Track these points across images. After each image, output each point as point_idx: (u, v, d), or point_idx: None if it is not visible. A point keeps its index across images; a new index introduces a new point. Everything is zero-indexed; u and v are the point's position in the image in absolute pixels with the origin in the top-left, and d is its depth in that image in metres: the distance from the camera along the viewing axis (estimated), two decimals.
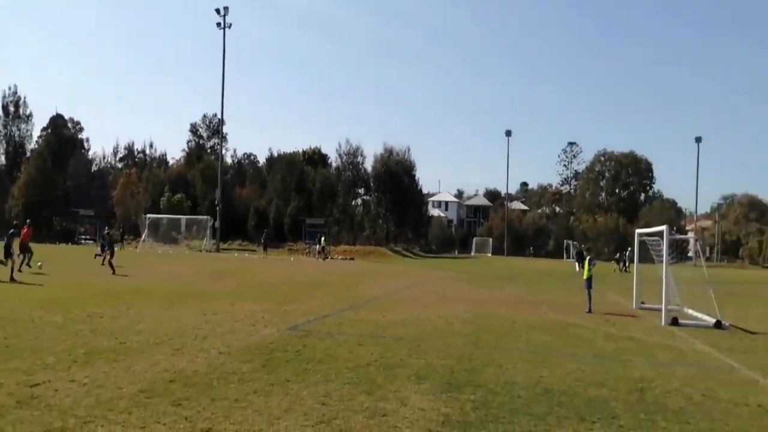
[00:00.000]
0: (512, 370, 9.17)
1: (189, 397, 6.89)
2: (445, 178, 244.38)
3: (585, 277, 18.03)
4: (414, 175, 71.12)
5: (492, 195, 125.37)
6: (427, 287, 24.56)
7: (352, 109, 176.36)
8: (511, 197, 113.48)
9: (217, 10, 53.91)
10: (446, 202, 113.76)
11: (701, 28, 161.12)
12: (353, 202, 70.38)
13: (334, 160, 71.96)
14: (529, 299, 20.87)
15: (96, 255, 29.76)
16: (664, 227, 16.27)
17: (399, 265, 43.27)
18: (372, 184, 69.68)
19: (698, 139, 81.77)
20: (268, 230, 53.96)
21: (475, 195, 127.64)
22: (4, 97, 69.00)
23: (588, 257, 19.03)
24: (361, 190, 71.75)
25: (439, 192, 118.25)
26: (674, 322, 15.10)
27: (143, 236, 52.00)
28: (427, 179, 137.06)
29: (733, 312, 17.45)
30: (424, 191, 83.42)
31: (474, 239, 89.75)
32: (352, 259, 49.10)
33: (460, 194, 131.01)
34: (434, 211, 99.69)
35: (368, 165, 70.20)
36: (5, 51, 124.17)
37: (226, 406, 6.65)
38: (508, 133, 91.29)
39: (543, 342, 11.96)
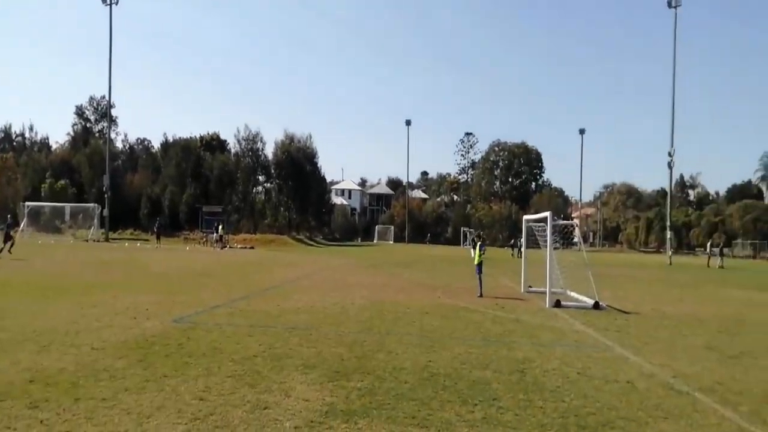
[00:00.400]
0: (401, 355, 9.21)
1: (49, 398, 6.34)
2: (349, 166, 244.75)
3: (476, 262, 18.57)
4: (316, 163, 70.56)
5: (394, 184, 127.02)
6: (326, 275, 24.37)
7: (252, 94, 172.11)
8: (411, 186, 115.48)
9: None
10: (349, 191, 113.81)
11: (584, 25, 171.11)
12: (254, 190, 68.68)
13: (232, 146, 69.87)
14: (425, 285, 21.24)
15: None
16: (547, 213, 17.01)
17: (300, 254, 42.75)
18: (273, 171, 68.28)
19: (582, 131, 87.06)
20: (161, 218, 51.47)
21: (378, 183, 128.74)
22: None
23: (479, 243, 19.62)
24: (262, 177, 70.15)
25: (343, 180, 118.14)
26: (557, 304, 15.89)
27: (21, 225, 47.93)
28: (330, 167, 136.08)
29: (610, 293, 18.67)
30: (328, 179, 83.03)
31: (376, 227, 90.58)
32: (252, 248, 47.91)
33: (363, 183, 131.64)
34: (337, 200, 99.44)
35: (269, 152, 68.83)
36: None
37: (91, 406, 6.15)
38: (408, 123, 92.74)
39: (434, 326, 12.13)
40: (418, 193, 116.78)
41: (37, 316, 11.31)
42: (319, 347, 9.56)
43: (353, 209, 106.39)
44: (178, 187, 61.08)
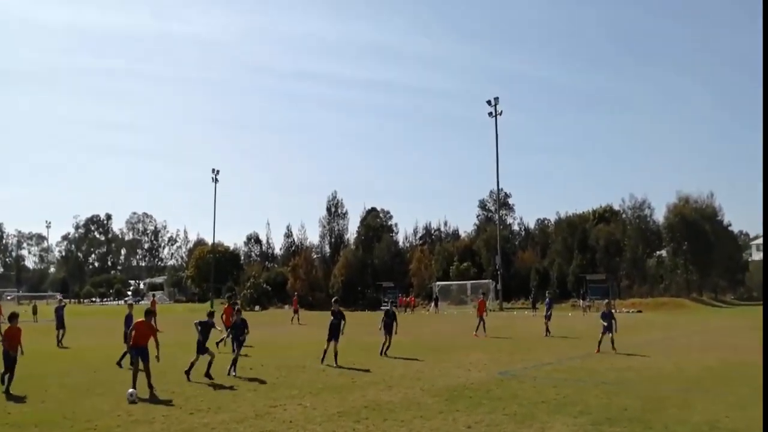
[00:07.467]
0: (694, 410, 8.81)
1: (368, 417, 8.78)
2: None
3: None
4: (720, 221, 64.48)
5: None
6: (700, 337, 22.34)
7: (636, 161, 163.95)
8: None
9: None
10: None
11: None
12: (644, 255, 65.74)
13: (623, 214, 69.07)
14: None
15: None
16: None
17: (688, 316, 38.63)
18: (665, 235, 64.56)
19: None
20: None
21: None
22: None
23: None
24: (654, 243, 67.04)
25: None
26: None
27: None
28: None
29: None
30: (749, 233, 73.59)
31: None
32: (639, 311, 46.29)
33: None
34: (758, 255, 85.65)
35: (660, 216, 66.07)
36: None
37: (390, 424, 8.33)
38: None
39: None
40: None
41: (397, 368, 14.35)
42: (612, 400, 9.89)
43: None
44: (565, 259, 63.37)
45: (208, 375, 12.31)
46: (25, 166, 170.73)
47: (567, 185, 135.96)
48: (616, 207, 70.54)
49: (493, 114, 58.20)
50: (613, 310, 18.15)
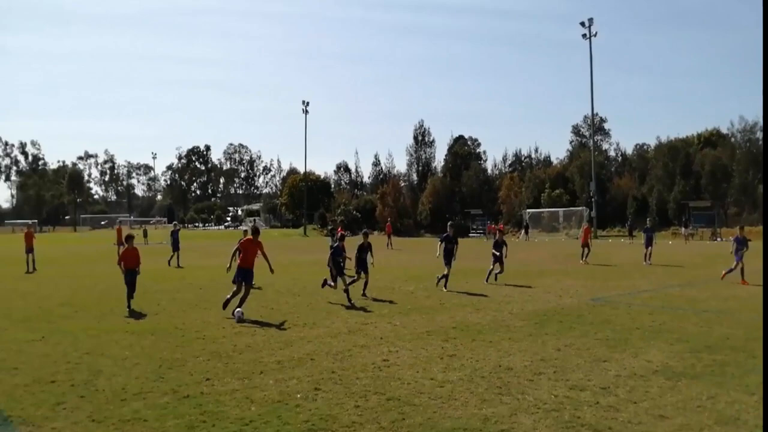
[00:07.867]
0: None
1: (457, 336, 8.94)
2: None
3: None
4: None
5: None
6: None
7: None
8: None
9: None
10: None
11: None
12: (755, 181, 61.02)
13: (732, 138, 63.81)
14: None
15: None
16: None
17: None
18: None
19: None
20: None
21: None
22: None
23: None
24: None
25: None
26: None
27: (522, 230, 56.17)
28: None
29: None
30: None
31: None
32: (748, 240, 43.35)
33: None
34: None
35: None
36: None
37: (478, 344, 8.45)
38: None
39: None
40: None
41: (485, 292, 14.36)
42: (713, 328, 9.48)
43: None
44: (666, 186, 60.07)
45: (364, 294, 13.51)
46: (133, 102, 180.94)
47: (668, 108, 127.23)
48: (724, 130, 65.48)
49: (588, 36, 54.70)
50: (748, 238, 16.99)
